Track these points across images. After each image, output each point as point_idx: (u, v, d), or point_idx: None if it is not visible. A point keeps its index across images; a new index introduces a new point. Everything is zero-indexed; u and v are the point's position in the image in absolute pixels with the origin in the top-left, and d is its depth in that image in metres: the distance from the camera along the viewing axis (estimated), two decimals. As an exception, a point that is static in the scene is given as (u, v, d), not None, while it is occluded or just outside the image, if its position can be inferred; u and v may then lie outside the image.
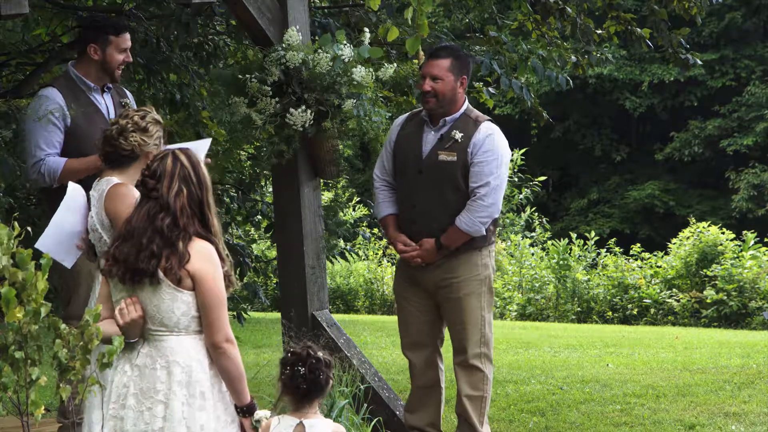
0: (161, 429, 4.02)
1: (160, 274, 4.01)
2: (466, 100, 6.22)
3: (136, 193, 4.98)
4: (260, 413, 4.19)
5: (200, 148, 5.42)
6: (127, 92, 6.39)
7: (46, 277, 3.77)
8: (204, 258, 4.05)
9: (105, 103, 6.08)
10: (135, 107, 6.26)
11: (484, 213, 6.00)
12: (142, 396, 4.05)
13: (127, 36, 6.06)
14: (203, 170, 4.15)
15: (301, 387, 4.17)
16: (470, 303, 6.09)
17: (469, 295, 6.09)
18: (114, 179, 5.00)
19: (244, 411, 4.17)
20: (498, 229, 20.02)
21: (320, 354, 4.20)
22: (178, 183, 4.09)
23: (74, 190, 5.23)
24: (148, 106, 5.57)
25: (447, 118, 6.12)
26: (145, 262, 4.01)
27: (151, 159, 4.23)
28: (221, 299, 4.07)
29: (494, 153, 6.04)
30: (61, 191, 5.71)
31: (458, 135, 6.05)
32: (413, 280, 6.23)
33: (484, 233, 6.08)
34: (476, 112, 6.21)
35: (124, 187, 4.96)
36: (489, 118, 6.22)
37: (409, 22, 5.26)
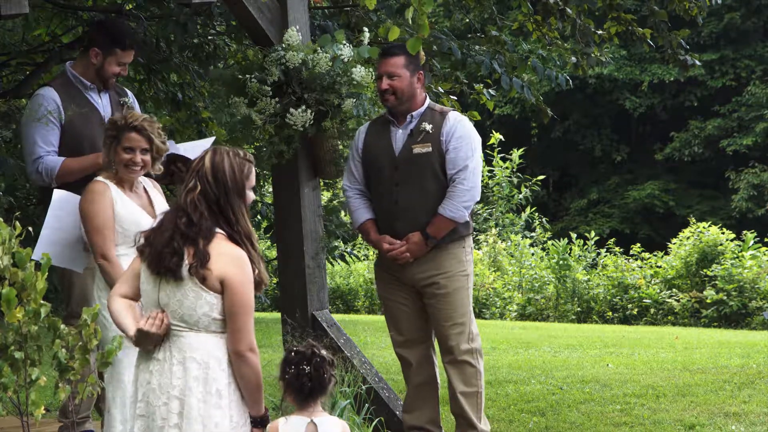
0: (177, 425, 4.00)
1: (184, 271, 4.00)
2: (428, 96, 6.28)
3: (114, 194, 5.02)
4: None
5: (204, 146, 5.42)
6: (128, 91, 6.39)
7: (45, 276, 3.77)
8: (234, 263, 4.02)
9: (102, 102, 6.09)
10: (136, 106, 6.29)
11: (466, 197, 6.04)
12: (160, 391, 4.05)
13: (131, 53, 6.11)
14: (225, 171, 4.08)
15: (306, 386, 4.14)
16: (459, 298, 6.12)
17: (458, 290, 6.13)
18: (99, 177, 5.06)
19: (258, 422, 4.14)
20: (498, 229, 20.12)
21: (324, 352, 4.19)
22: (194, 180, 4.09)
23: (61, 195, 5.25)
24: (126, 110, 5.69)
25: (413, 114, 6.16)
26: (168, 259, 4.01)
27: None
28: (248, 307, 4.04)
29: (466, 138, 6.10)
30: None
31: (428, 126, 6.10)
32: (397, 280, 6.23)
33: (468, 219, 6.12)
34: (440, 106, 6.30)
35: (97, 185, 5.02)
36: (453, 108, 6.29)
37: (410, 22, 5.26)
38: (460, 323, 6.12)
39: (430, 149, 6.08)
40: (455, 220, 6.06)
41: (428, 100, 6.24)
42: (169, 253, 4.01)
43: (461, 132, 6.10)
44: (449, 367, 6.15)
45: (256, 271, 4.09)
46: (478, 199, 6.19)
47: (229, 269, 4.01)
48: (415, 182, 6.09)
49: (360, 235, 6.59)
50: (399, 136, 6.17)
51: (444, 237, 6.11)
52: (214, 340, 4.06)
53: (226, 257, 4.02)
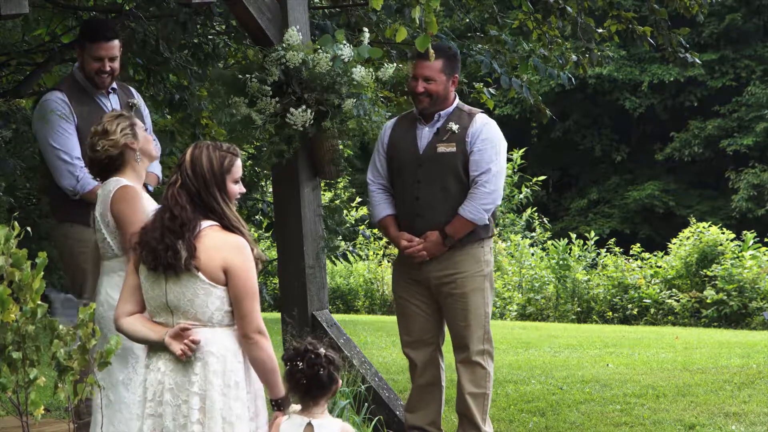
0: (199, 421, 4.01)
1: (182, 265, 4.01)
2: (457, 96, 6.28)
3: (143, 195, 5.01)
4: (294, 407, 4.18)
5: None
6: (134, 91, 6.34)
7: (41, 275, 3.77)
8: (234, 250, 4.06)
9: (111, 104, 6.06)
10: (143, 105, 6.25)
11: (487, 199, 6.03)
12: (178, 390, 4.05)
13: (104, 45, 5.95)
14: (204, 164, 4.12)
15: (300, 383, 4.13)
16: (474, 299, 6.10)
17: (474, 291, 6.11)
18: (123, 180, 5.01)
19: (279, 404, 4.17)
20: (498, 229, 20.11)
21: (322, 350, 4.16)
22: (175, 174, 4.14)
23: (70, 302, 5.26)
24: (134, 111, 5.68)
25: (441, 113, 6.18)
26: (163, 256, 4.04)
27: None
28: (253, 291, 4.07)
29: (492, 141, 6.10)
30: (77, 204, 5.67)
31: (455, 127, 6.10)
32: (413, 279, 6.22)
33: (487, 222, 6.10)
34: (468, 106, 6.30)
35: (131, 189, 4.97)
36: (482, 110, 6.29)
37: (416, 22, 5.24)
38: (476, 324, 6.11)
39: (455, 149, 6.09)
40: (474, 222, 6.06)
41: (457, 100, 6.25)
42: (162, 249, 4.04)
43: (487, 134, 6.10)
44: (460, 367, 6.15)
45: (254, 251, 4.12)
46: (499, 203, 6.18)
47: (230, 257, 4.04)
48: (436, 181, 6.10)
49: (379, 230, 6.58)
50: (425, 134, 6.18)
51: (462, 238, 6.10)
52: (228, 333, 4.09)
53: (225, 246, 4.06)
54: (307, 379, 4.12)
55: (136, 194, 4.96)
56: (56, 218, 6.03)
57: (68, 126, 5.89)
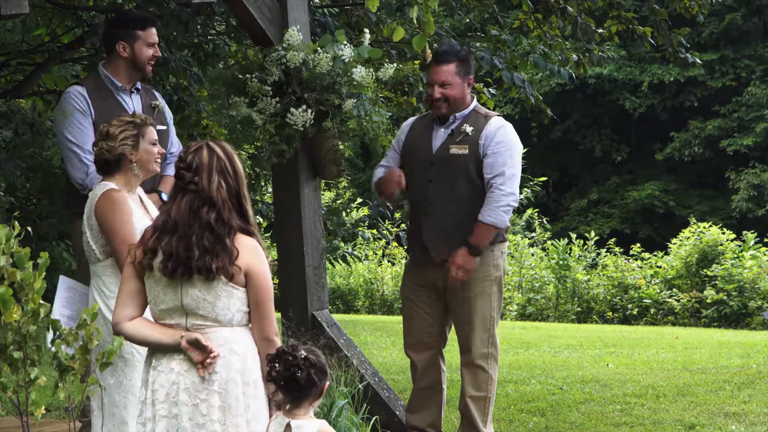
0: (219, 420, 3.99)
1: (214, 270, 3.97)
2: (474, 98, 6.27)
3: (129, 201, 4.98)
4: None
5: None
6: (157, 93, 6.33)
7: (43, 276, 3.77)
8: (253, 253, 4.03)
9: (133, 104, 6.04)
10: (166, 108, 6.23)
11: (503, 202, 6.01)
12: (195, 389, 4.01)
13: (154, 31, 6.02)
14: (238, 161, 4.11)
15: (278, 383, 4.05)
16: (480, 303, 6.09)
17: (480, 294, 6.09)
18: (110, 184, 4.99)
19: (276, 405, 4.15)
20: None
21: (302, 352, 4.04)
22: (217, 176, 4.04)
23: (69, 284, 5.23)
24: (157, 113, 5.64)
25: (457, 115, 6.16)
26: (200, 260, 3.96)
27: (184, 150, 4.14)
28: (272, 294, 4.07)
29: (506, 144, 6.08)
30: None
31: (468, 129, 6.09)
32: (422, 281, 6.22)
33: (509, 224, 6.09)
34: (485, 109, 6.29)
35: (116, 194, 4.95)
36: (498, 114, 6.28)
37: (414, 22, 5.22)
38: (480, 327, 6.10)
39: (467, 151, 6.07)
40: (495, 226, 6.01)
41: (475, 102, 6.24)
42: (200, 253, 3.96)
43: (501, 137, 6.08)
44: (463, 369, 6.15)
45: (269, 258, 4.11)
46: (516, 205, 6.14)
47: (252, 261, 4.02)
48: (447, 182, 6.09)
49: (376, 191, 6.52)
50: (440, 134, 6.18)
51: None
52: (247, 332, 4.08)
53: (247, 250, 4.03)
54: (284, 381, 4.03)
55: (121, 200, 4.94)
56: (73, 213, 6.00)
57: (84, 120, 5.88)
